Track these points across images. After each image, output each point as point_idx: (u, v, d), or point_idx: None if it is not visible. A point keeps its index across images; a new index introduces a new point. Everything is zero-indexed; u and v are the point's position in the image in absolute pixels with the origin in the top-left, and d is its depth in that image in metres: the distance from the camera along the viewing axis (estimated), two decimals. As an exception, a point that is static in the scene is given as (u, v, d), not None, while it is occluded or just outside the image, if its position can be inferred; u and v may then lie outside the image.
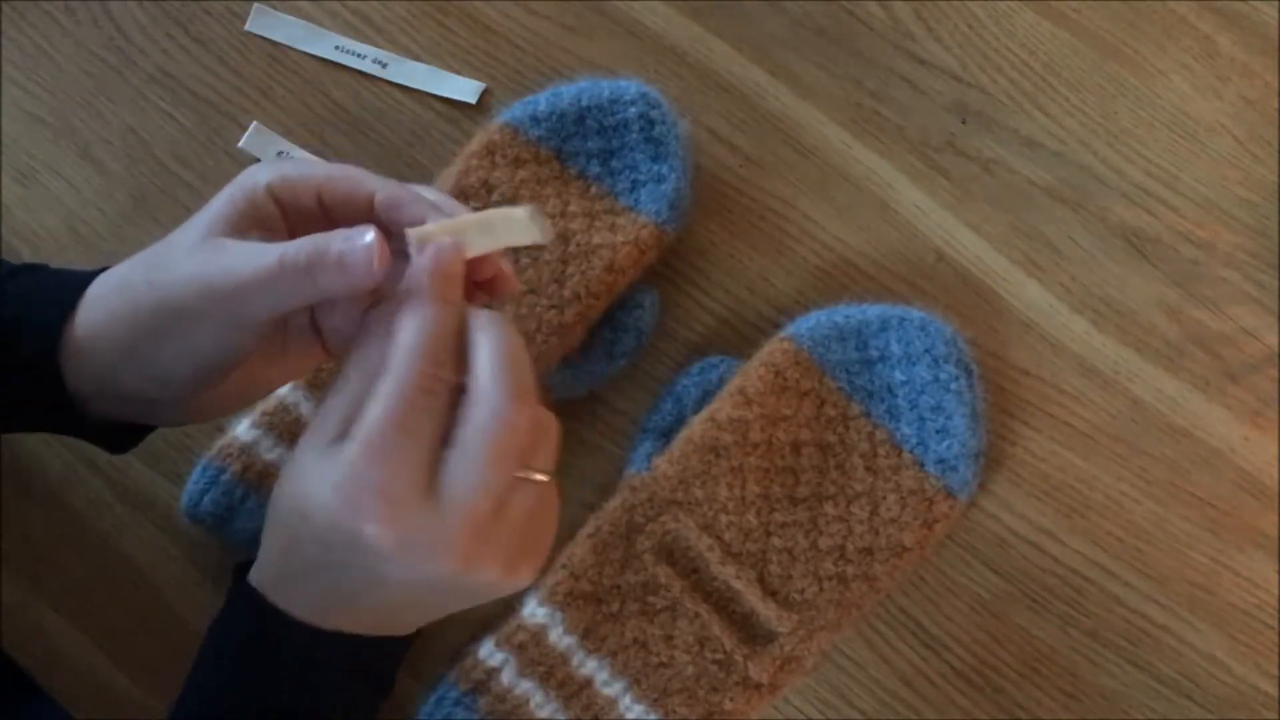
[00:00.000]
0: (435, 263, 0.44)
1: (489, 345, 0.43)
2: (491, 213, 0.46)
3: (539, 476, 0.44)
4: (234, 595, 0.49)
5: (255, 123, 0.67)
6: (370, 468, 0.42)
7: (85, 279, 0.51)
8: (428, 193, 0.48)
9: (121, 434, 0.54)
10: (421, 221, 0.46)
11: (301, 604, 0.46)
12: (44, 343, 0.50)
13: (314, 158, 0.53)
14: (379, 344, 0.44)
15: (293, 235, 0.47)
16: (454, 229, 0.45)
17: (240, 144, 0.67)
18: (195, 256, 0.47)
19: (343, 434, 0.43)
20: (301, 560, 0.45)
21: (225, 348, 0.48)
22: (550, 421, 0.45)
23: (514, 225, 0.45)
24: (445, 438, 0.43)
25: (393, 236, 0.46)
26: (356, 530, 0.42)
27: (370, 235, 0.44)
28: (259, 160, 0.67)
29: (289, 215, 0.48)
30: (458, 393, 0.43)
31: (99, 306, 0.50)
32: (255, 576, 0.47)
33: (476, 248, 0.45)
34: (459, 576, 0.43)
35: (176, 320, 0.48)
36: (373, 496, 0.41)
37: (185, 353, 0.49)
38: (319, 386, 0.61)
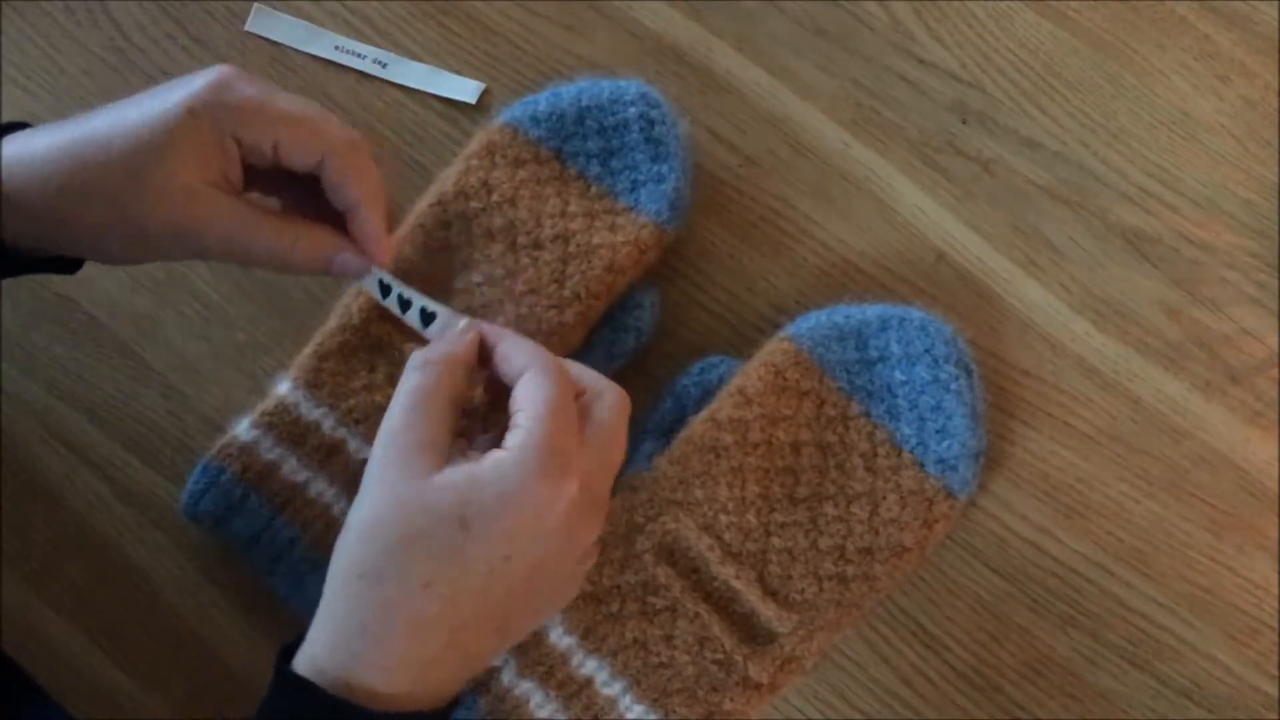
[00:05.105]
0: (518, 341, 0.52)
1: (583, 369, 0.52)
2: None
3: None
4: (284, 690, 0.47)
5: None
6: (554, 437, 0.48)
7: None
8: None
9: (69, 260, 0.57)
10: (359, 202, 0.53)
11: (384, 654, 0.46)
12: None
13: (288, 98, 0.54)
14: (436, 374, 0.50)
15: (244, 164, 0.53)
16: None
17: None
18: (173, 201, 0.51)
19: (464, 449, 0.49)
20: (413, 580, 0.46)
21: (178, 258, 0.55)
22: None
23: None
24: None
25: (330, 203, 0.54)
26: (556, 496, 0.47)
27: (361, 263, 0.54)
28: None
29: (244, 152, 0.52)
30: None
31: (33, 173, 0.51)
32: (311, 657, 0.47)
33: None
34: (592, 540, 0.50)
35: (137, 238, 0.52)
36: (561, 455, 0.47)
37: (133, 253, 0.55)
38: (319, 386, 0.61)
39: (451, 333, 0.53)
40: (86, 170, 0.51)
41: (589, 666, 0.58)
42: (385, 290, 0.55)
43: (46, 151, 0.51)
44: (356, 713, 0.46)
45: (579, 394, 0.51)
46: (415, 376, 0.49)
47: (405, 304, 0.55)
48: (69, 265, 0.57)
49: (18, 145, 0.52)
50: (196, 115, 0.50)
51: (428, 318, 0.55)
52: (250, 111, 0.51)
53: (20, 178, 0.51)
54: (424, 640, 0.46)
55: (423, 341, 0.55)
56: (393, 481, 0.48)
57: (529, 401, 0.48)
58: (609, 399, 0.51)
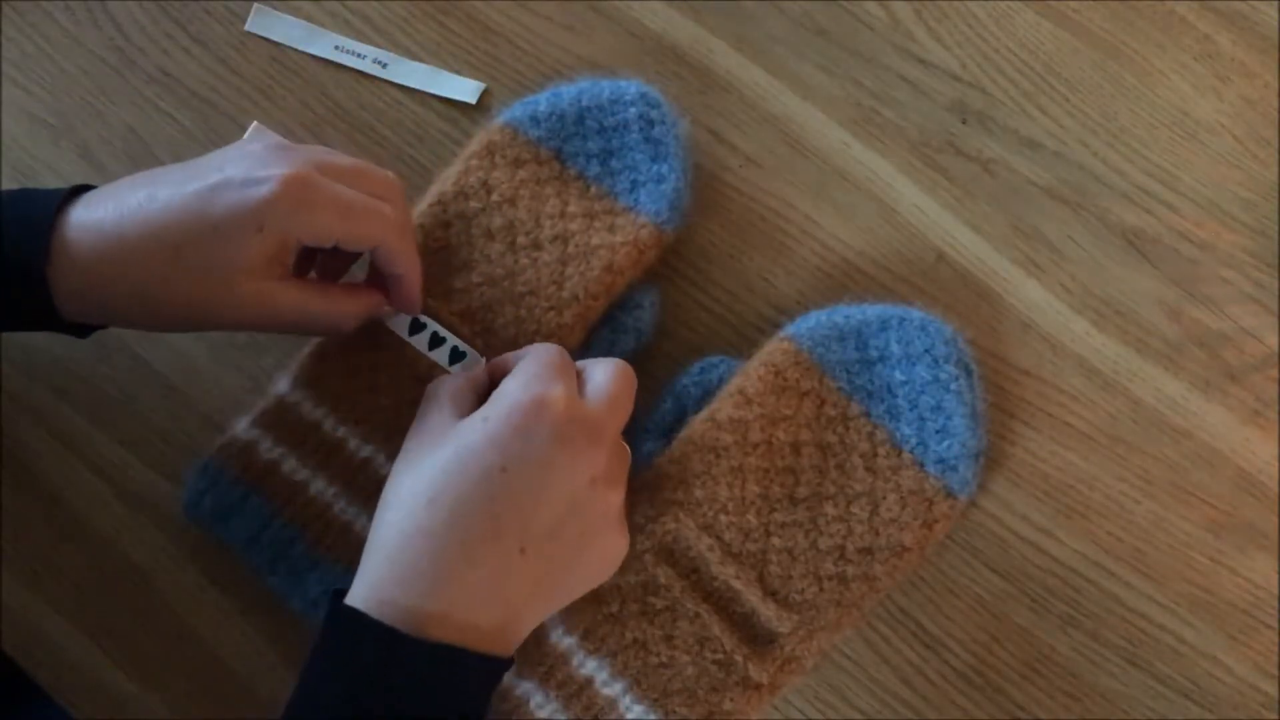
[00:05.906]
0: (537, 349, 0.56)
1: (586, 361, 0.57)
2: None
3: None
4: (336, 623, 0.50)
5: (255, 122, 0.67)
6: (549, 371, 0.53)
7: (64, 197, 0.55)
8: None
9: (93, 328, 0.58)
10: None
11: (427, 578, 0.49)
12: (32, 255, 0.53)
13: (339, 158, 0.57)
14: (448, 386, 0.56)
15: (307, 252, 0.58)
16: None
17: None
18: (240, 301, 0.54)
19: (476, 401, 0.54)
20: (450, 502, 0.50)
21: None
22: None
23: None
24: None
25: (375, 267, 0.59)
26: (541, 401, 0.51)
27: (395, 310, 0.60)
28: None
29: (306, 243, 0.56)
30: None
31: (99, 249, 0.53)
32: (359, 591, 0.50)
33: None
34: (601, 467, 0.52)
35: (196, 325, 0.57)
36: (554, 381, 0.52)
37: (184, 330, 0.59)
38: (319, 386, 0.61)
39: (477, 367, 0.58)
40: (154, 268, 0.53)
41: (589, 666, 0.58)
42: (416, 328, 0.60)
43: (115, 230, 0.53)
44: (397, 638, 0.48)
45: (579, 371, 0.55)
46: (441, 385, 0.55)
47: (438, 341, 0.60)
48: (100, 327, 0.59)
49: (83, 214, 0.53)
50: (265, 231, 0.53)
51: (456, 356, 0.60)
52: (317, 220, 0.54)
53: (85, 247, 0.53)
54: (436, 555, 0.49)
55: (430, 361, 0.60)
56: (410, 442, 0.53)
57: (520, 360, 0.54)
58: (604, 365, 0.55)
